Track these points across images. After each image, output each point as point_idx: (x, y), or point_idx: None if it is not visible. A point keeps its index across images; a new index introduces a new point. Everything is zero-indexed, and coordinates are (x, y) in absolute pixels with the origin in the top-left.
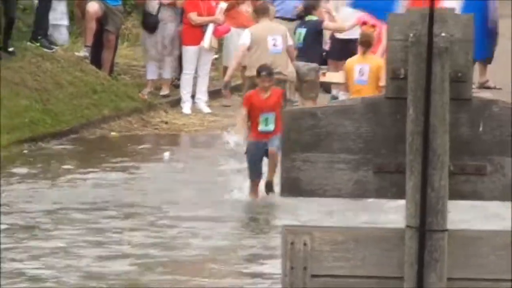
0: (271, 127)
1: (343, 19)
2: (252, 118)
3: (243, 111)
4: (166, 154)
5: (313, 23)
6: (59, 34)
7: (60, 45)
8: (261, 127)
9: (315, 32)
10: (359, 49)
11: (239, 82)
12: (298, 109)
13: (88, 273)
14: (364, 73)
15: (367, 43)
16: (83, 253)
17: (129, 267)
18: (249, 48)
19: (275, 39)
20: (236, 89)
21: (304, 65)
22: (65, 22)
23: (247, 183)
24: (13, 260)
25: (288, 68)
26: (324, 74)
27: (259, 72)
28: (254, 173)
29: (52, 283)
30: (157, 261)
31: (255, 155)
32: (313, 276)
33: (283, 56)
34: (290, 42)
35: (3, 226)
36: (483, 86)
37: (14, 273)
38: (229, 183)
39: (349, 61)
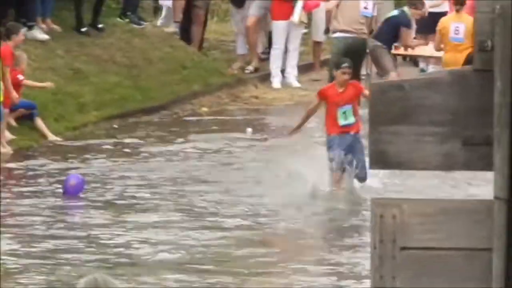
0: (351, 119)
1: None
2: (329, 113)
3: (315, 102)
4: (249, 130)
5: (404, 16)
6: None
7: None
8: (341, 122)
9: (399, 24)
10: (453, 7)
11: (328, 56)
12: (385, 81)
13: (178, 245)
14: (460, 31)
15: (460, 0)
16: (174, 226)
17: (220, 240)
18: (338, 5)
19: (367, 3)
20: (325, 64)
21: (370, 41)
22: None
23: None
24: (108, 236)
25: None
26: (405, 47)
27: (339, 64)
28: (337, 166)
29: (145, 255)
30: (249, 234)
31: (338, 149)
32: (402, 248)
33: (369, 21)
34: (375, 13)
35: (98, 200)
36: None
37: (109, 247)
38: (319, 157)
39: (444, 19)
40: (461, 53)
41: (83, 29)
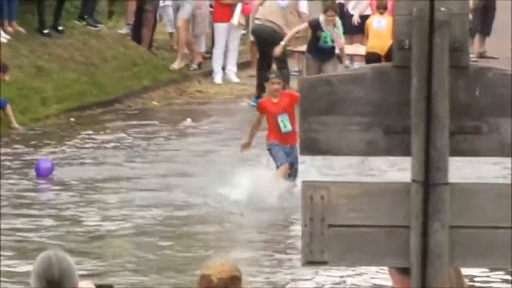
0: (289, 127)
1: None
2: (269, 123)
3: (257, 117)
4: (189, 120)
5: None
6: (165, 15)
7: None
8: (282, 129)
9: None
10: (377, 11)
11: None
12: (314, 77)
13: (136, 223)
14: (382, 23)
15: (383, 5)
16: (132, 204)
17: (173, 220)
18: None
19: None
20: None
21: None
22: (169, 2)
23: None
24: (71, 214)
25: (290, 28)
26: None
27: (268, 77)
28: (281, 161)
29: (105, 231)
30: (196, 213)
31: (280, 150)
32: (330, 226)
33: (287, 13)
34: (304, 9)
35: (61, 182)
36: (481, 56)
37: (73, 225)
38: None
39: (369, 18)
40: (383, 41)
41: (45, 31)
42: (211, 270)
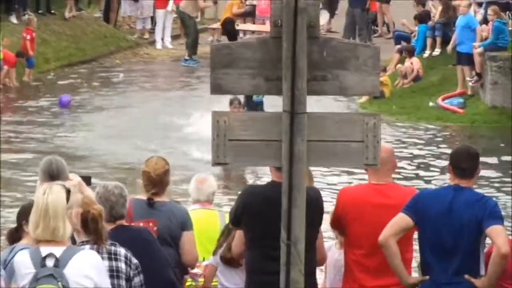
0: None
1: None
2: None
3: None
4: (121, 75)
5: None
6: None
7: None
8: None
9: None
10: None
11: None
12: (219, 43)
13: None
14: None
15: None
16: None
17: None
18: None
19: None
20: (185, 35)
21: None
22: None
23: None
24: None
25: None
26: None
27: (231, 101)
28: None
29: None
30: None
31: None
32: (229, 140)
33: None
34: None
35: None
36: (328, 31)
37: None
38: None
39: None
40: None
41: (40, 11)
42: (149, 168)
